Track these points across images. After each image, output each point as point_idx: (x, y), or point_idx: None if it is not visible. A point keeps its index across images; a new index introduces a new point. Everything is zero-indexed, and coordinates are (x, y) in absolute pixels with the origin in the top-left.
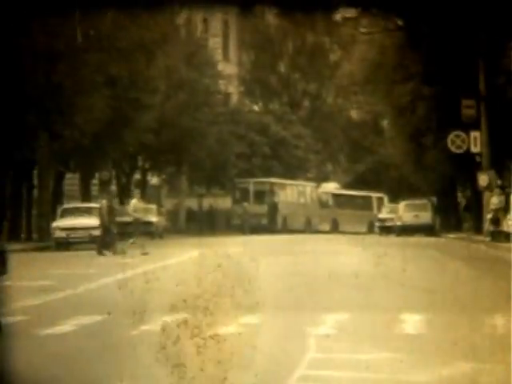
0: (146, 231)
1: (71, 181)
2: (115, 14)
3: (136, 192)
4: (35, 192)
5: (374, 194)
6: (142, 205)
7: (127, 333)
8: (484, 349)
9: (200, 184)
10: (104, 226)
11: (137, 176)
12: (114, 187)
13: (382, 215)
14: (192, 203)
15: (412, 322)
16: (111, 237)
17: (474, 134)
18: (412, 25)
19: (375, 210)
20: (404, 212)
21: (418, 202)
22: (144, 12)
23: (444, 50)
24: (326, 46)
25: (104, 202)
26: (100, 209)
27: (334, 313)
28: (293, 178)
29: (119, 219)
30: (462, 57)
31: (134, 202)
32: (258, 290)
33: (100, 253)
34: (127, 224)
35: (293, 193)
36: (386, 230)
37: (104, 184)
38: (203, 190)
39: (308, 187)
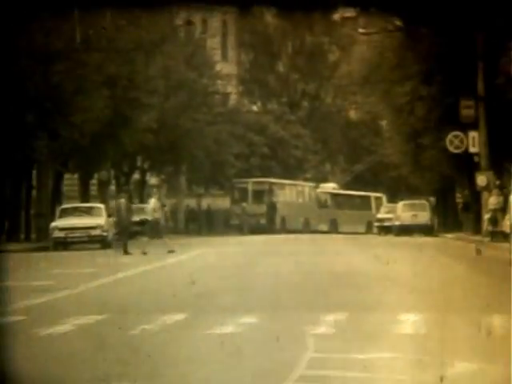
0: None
1: (70, 181)
2: (114, 14)
3: (155, 191)
4: (34, 192)
5: (373, 194)
6: (160, 204)
7: (127, 332)
8: (483, 349)
9: (199, 184)
10: (122, 225)
11: (136, 176)
12: (112, 187)
13: (381, 215)
14: (191, 203)
15: (410, 322)
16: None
17: (473, 134)
18: (411, 25)
19: (374, 210)
20: (402, 212)
21: (416, 201)
22: (143, 12)
23: (443, 50)
24: (324, 47)
25: (122, 200)
26: (117, 207)
27: (332, 312)
28: (291, 178)
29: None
30: (461, 57)
31: (154, 201)
32: (256, 289)
33: (126, 252)
34: (137, 223)
35: (291, 193)
36: (385, 229)
37: (103, 184)
38: (202, 190)
39: (307, 187)
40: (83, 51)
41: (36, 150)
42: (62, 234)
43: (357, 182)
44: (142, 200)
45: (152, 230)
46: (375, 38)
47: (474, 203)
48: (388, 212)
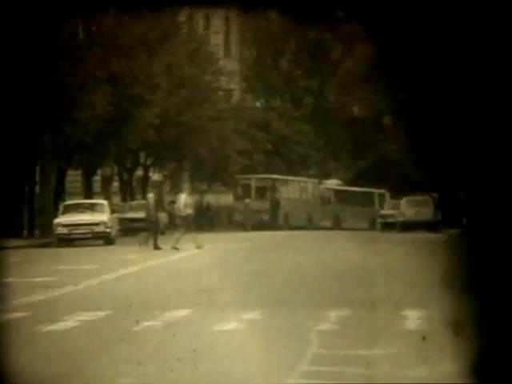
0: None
1: (73, 177)
2: (117, 11)
3: (185, 187)
4: (37, 188)
5: (376, 191)
6: (190, 200)
7: (129, 329)
8: None
9: (202, 180)
10: (151, 220)
11: (139, 172)
12: (115, 183)
13: (384, 211)
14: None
15: (413, 318)
16: (156, 230)
17: None
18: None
19: (377, 207)
20: (406, 208)
21: (419, 198)
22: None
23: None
24: (327, 43)
25: (152, 195)
26: (147, 203)
27: (335, 309)
28: (295, 174)
29: (122, 216)
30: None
31: (185, 197)
32: (259, 285)
33: (156, 247)
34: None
35: (295, 189)
36: (388, 226)
37: (106, 180)
38: (205, 187)
39: (310, 183)
40: (86, 48)
41: (39, 146)
42: (65, 231)
43: (360, 178)
44: (145, 196)
45: (186, 224)
46: None
47: None
48: (391, 208)
